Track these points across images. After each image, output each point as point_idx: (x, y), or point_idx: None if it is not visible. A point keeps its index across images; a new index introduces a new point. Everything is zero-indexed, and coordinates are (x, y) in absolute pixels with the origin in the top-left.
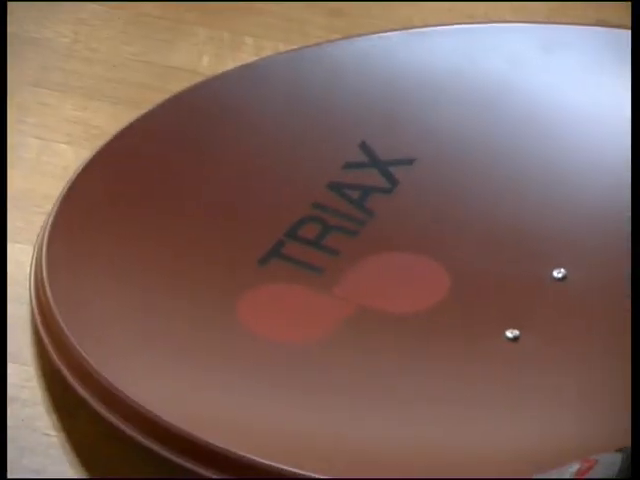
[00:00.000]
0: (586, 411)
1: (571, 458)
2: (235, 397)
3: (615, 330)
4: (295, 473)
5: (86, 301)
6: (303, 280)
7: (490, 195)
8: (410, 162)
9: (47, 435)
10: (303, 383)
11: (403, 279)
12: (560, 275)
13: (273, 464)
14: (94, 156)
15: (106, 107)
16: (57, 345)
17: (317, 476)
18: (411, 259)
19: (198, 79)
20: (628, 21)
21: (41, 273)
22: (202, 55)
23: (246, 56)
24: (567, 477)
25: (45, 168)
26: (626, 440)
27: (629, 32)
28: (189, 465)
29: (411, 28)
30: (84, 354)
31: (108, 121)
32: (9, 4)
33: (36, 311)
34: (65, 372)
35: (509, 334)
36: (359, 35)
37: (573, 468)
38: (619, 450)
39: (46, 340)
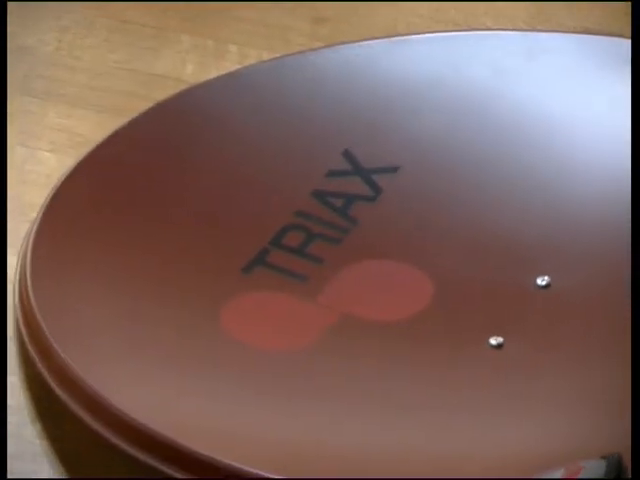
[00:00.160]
0: (571, 417)
1: (556, 464)
2: (220, 405)
3: (600, 337)
4: None
5: (70, 309)
6: (287, 288)
7: (474, 203)
8: (394, 170)
9: (32, 443)
10: (288, 391)
11: (387, 287)
12: (544, 282)
13: (258, 471)
14: (78, 164)
15: (90, 115)
16: (41, 352)
17: None
18: (395, 267)
19: (182, 87)
20: (611, 28)
21: (25, 281)
22: (186, 63)
23: (230, 64)
24: None
25: (29, 176)
26: (612, 447)
27: (612, 39)
28: (174, 473)
29: (394, 36)
30: (68, 361)
31: (92, 129)
32: None
33: (20, 319)
34: (49, 380)
35: (493, 341)
36: (342, 43)
37: (558, 474)
38: (604, 457)
39: (30, 347)
